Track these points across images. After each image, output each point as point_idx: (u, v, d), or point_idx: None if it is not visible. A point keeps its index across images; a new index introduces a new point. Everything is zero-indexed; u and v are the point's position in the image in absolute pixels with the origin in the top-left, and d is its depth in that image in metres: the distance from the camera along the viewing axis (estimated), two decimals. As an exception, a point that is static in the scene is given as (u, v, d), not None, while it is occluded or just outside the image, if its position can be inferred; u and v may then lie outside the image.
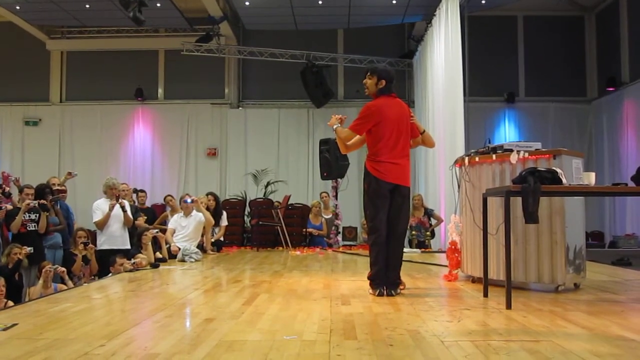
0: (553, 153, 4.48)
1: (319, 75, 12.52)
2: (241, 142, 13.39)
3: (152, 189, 12.41)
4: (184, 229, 7.65)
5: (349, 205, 11.29)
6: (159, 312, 3.68)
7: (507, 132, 13.13)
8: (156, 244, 7.01)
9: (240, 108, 13.67)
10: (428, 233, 9.31)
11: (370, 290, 4.34)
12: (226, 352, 2.64)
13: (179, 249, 7.24)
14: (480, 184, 4.79)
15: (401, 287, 4.41)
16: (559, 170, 3.96)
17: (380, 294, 4.23)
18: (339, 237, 9.94)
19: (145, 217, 8.09)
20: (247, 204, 11.14)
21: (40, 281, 5.59)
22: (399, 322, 3.29)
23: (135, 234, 7.00)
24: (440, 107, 9.53)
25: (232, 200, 11.21)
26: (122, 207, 6.93)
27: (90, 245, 6.69)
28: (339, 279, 5.41)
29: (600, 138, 12.58)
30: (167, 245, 7.29)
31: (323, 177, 9.65)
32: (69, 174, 8.06)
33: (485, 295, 4.21)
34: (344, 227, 10.80)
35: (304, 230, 9.90)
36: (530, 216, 3.75)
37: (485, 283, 4.26)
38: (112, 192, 6.99)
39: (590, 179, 4.10)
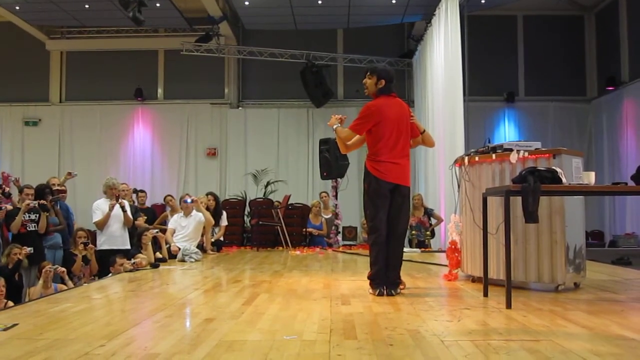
0: (553, 152, 4.48)
1: (318, 75, 12.52)
2: (241, 142, 13.39)
3: (152, 189, 12.41)
4: (183, 229, 7.65)
5: (349, 205, 11.29)
6: (159, 312, 3.68)
7: (506, 132, 13.13)
8: (156, 244, 7.02)
9: (240, 108, 13.67)
10: (428, 233, 9.31)
11: (370, 290, 4.34)
12: (226, 352, 2.64)
13: (179, 249, 7.24)
14: (480, 184, 4.79)
15: (401, 286, 4.41)
16: (558, 170, 3.96)
17: (380, 294, 4.23)
18: (339, 237, 9.94)
19: (145, 217, 8.08)
20: (247, 204, 11.13)
21: (40, 281, 5.59)
22: (399, 321, 3.29)
23: (135, 234, 7.00)
24: (440, 106, 9.53)
25: (232, 200, 11.20)
26: (122, 207, 6.93)
27: (90, 245, 6.69)
28: (339, 278, 5.41)
29: (599, 137, 12.58)
30: (167, 245, 7.29)
31: (323, 177, 9.66)
32: (69, 174, 8.06)
33: (485, 294, 4.21)
34: (343, 227, 10.81)
35: (304, 230, 9.90)
36: (530, 216, 3.75)
37: (485, 282, 4.27)
38: (112, 192, 7.00)
39: (590, 178, 4.10)
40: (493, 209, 4.59)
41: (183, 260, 7.04)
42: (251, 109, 13.63)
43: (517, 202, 3.91)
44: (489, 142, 5.18)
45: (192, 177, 13.43)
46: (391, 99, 4.43)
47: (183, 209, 7.86)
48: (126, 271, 5.96)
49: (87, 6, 11.50)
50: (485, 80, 12.37)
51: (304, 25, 12.57)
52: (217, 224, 8.67)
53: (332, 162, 9.12)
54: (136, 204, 8.72)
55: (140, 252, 6.57)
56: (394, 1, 11.19)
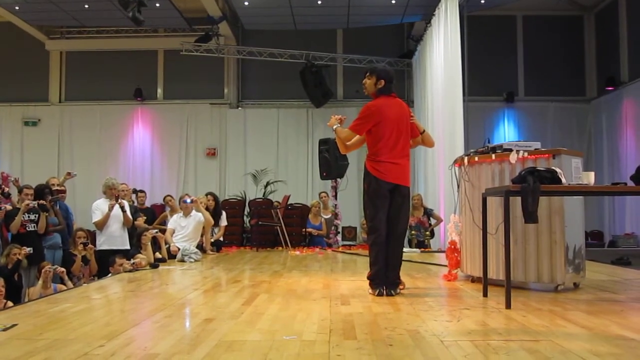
0: (552, 153, 4.48)
1: (318, 75, 12.51)
2: (240, 142, 13.39)
3: (152, 189, 12.42)
4: (183, 229, 7.65)
5: (349, 205, 11.29)
6: (159, 312, 3.68)
7: (506, 132, 13.13)
8: (156, 244, 7.01)
9: (239, 108, 13.67)
10: (427, 233, 9.32)
11: (370, 290, 4.34)
12: (226, 352, 2.64)
13: (179, 249, 7.24)
14: (480, 184, 4.79)
15: (401, 287, 4.41)
16: (558, 170, 3.96)
17: (380, 294, 4.23)
18: (339, 237, 9.95)
19: (145, 218, 8.08)
20: (247, 204, 11.13)
21: (40, 281, 5.59)
22: (398, 322, 3.29)
23: (134, 234, 7.00)
24: (439, 106, 9.53)
25: (232, 200, 11.20)
26: (122, 208, 6.92)
27: (90, 245, 6.69)
28: (338, 279, 5.41)
29: (599, 137, 12.59)
30: (167, 246, 7.29)
31: (322, 177, 9.65)
32: (68, 174, 8.05)
33: (485, 295, 4.21)
34: (343, 227, 10.80)
35: (304, 230, 9.89)
36: (530, 216, 3.75)
37: (485, 283, 4.27)
38: (112, 192, 6.99)
39: (590, 178, 4.10)
40: (492, 209, 4.59)
41: (182, 261, 7.03)
42: (251, 109, 13.63)
43: (516, 202, 3.90)
44: (489, 142, 5.18)
45: (191, 177, 13.43)
46: (391, 99, 4.43)
47: (182, 209, 7.85)
48: (126, 271, 5.95)
49: (86, 6, 11.50)
50: (484, 80, 12.38)
51: (303, 25, 12.56)
52: (216, 224, 8.66)
53: (331, 162, 9.12)
54: (136, 204, 8.72)
55: (140, 253, 6.57)
56: (393, 1, 11.19)
